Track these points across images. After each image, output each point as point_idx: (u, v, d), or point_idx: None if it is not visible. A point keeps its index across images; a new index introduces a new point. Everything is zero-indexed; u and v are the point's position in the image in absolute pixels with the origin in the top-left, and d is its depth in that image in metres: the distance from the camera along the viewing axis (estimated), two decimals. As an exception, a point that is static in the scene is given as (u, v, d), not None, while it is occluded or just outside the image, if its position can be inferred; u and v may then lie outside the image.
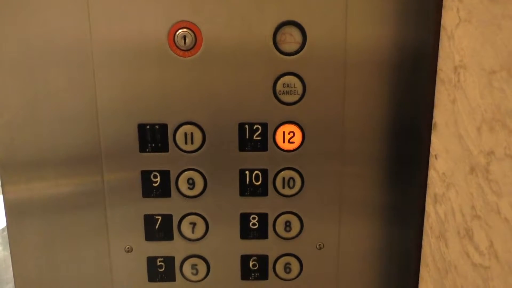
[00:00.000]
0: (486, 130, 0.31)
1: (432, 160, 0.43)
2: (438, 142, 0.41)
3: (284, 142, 0.48)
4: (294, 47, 0.45)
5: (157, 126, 0.47)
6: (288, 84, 0.46)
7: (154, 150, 0.48)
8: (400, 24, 0.44)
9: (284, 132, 0.47)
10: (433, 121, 0.42)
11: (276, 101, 0.46)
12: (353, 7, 0.44)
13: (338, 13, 0.44)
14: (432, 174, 0.43)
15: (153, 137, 0.47)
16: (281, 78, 0.46)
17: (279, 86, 0.46)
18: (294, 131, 0.47)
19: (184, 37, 0.45)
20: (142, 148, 0.48)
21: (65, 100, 0.46)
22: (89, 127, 0.47)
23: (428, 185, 0.44)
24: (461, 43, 0.36)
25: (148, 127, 0.47)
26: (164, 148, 0.48)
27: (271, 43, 0.45)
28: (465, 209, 0.35)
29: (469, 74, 0.34)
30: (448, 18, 0.38)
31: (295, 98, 0.46)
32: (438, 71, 0.41)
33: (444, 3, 0.40)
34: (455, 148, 0.37)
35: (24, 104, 0.46)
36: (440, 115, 0.41)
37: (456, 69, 0.37)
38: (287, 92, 0.46)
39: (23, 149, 0.47)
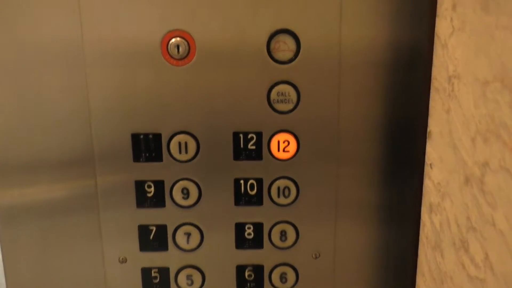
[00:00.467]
0: (480, 141, 0.31)
1: (427, 169, 0.42)
2: (433, 151, 0.41)
3: (279, 151, 0.47)
4: (288, 55, 0.45)
5: (150, 136, 0.47)
6: (282, 93, 0.46)
7: (148, 159, 0.47)
8: (395, 29, 0.44)
9: (279, 141, 0.47)
10: (428, 129, 0.42)
11: (270, 109, 0.46)
12: (347, 16, 0.44)
13: (332, 21, 0.44)
14: (427, 183, 0.43)
15: (146, 146, 0.47)
16: (275, 87, 0.46)
17: (273, 95, 0.46)
18: (289, 140, 0.47)
19: (178, 46, 0.44)
20: (136, 158, 0.47)
21: (58, 107, 0.45)
22: (83, 138, 0.46)
23: (423, 194, 0.44)
24: (454, 53, 0.36)
25: (141, 136, 0.47)
26: (158, 158, 0.47)
27: (265, 51, 0.45)
28: (460, 220, 0.35)
29: (463, 84, 0.34)
30: (442, 27, 0.38)
31: (289, 106, 0.46)
32: (433, 80, 0.40)
33: (437, 11, 0.39)
34: (450, 158, 0.37)
35: (16, 108, 0.45)
36: (434, 124, 0.40)
37: (450, 79, 0.36)
38: (282, 101, 0.46)
39: (16, 153, 0.46)
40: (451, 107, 0.36)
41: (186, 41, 0.44)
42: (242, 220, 0.49)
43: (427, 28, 0.40)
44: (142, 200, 0.48)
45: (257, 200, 0.49)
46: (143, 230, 0.49)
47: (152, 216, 0.49)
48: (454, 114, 0.35)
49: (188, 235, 0.49)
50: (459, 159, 0.35)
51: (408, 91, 0.45)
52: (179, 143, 0.47)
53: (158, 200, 0.48)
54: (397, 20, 0.43)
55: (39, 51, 0.44)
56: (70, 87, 0.45)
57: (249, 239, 0.50)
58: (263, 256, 0.50)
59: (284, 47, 0.45)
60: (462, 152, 0.34)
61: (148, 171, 0.48)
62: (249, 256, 0.50)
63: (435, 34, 0.40)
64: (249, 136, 0.47)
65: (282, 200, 0.48)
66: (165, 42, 0.44)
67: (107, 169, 0.47)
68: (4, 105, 0.45)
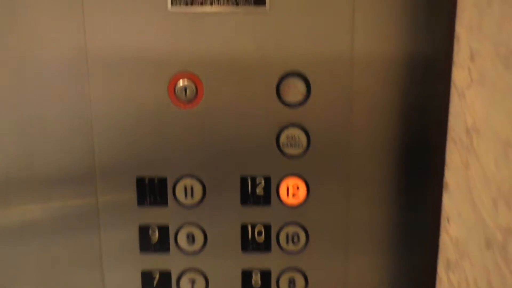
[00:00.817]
0: (502, 204, 0.29)
1: (444, 222, 0.41)
2: (451, 205, 0.39)
3: (288, 196, 0.46)
4: (298, 98, 0.44)
5: (156, 180, 0.46)
6: (292, 137, 0.45)
7: (153, 204, 0.46)
8: (408, 70, 0.42)
9: (288, 186, 0.46)
10: (445, 180, 0.40)
11: (279, 153, 0.45)
12: (359, 56, 0.42)
13: (343, 63, 0.43)
14: (444, 238, 0.41)
15: (151, 191, 0.46)
16: (284, 130, 0.44)
17: (282, 138, 0.45)
18: (298, 185, 0.46)
19: (185, 89, 0.43)
20: (140, 202, 0.46)
21: (60, 148, 0.44)
22: (87, 190, 0.45)
23: (440, 248, 0.42)
24: (473, 105, 0.34)
25: (146, 181, 0.45)
26: (163, 202, 0.46)
27: (275, 94, 0.44)
28: (481, 284, 0.33)
29: (483, 141, 0.32)
30: (459, 76, 0.37)
31: (299, 150, 0.45)
32: (449, 130, 0.39)
33: (454, 58, 0.38)
34: (469, 215, 0.35)
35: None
36: (452, 176, 0.39)
37: (469, 132, 0.35)
38: (291, 145, 0.45)
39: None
40: (470, 162, 0.34)
41: (194, 83, 0.43)
42: (249, 267, 0.47)
43: (442, 80, 0.39)
44: (145, 246, 0.47)
45: (265, 246, 0.47)
46: (146, 276, 0.47)
47: (155, 262, 0.47)
48: (474, 170, 0.34)
49: (193, 282, 0.48)
50: (479, 219, 0.33)
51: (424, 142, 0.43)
52: (185, 187, 0.46)
53: (162, 246, 0.47)
54: (411, 62, 0.42)
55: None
56: (74, 127, 0.44)
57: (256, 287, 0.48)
58: (271, 305, 0.48)
59: (294, 90, 0.44)
60: (482, 213, 0.32)
61: (153, 215, 0.46)
62: (256, 305, 0.48)
63: (451, 81, 0.38)
64: (257, 180, 0.45)
65: (291, 247, 0.47)
66: (172, 84, 0.43)
67: (109, 216, 0.46)
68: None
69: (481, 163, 0.33)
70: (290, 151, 0.45)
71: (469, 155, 0.35)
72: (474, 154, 0.34)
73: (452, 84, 0.38)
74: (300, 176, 0.45)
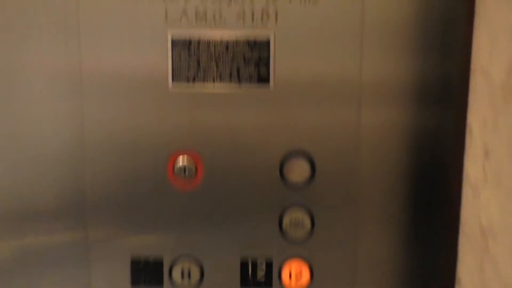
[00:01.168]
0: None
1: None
2: (464, 304, 0.37)
3: (290, 280, 0.44)
4: (302, 178, 0.42)
5: (151, 262, 0.43)
6: (295, 218, 0.43)
7: (147, 285, 0.44)
8: (417, 157, 0.41)
9: (290, 270, 0.44)
10: (457, 275, 0.38)
11: (282, 236, 0.43)
12: (366, 134, 0.41)
13: (349, 141, 0.41)
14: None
15: (146, 272, 0.44)
16: (288, 211, 0.43)
17: (285, 220, 0.43)
18: (301, 268, 0.43)
19: (184, 168, 0.42)
20: (134, 283, 0.44)
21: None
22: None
23: None
24: (488, 206, 0.32)
25: (141, 262, 0.43)
26: (159, 284, 0.44)
27: (278, 173, 0.42)
28: None
29: (500, 247, 0.30)
30: (472, 168, 0.35)
31: (303, 233, 0.43)
32: (462, 223, 0.37)
33: (466, 148, 0.36)
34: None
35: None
36: (465, 275, 0.36)
37: (484, 233, 0.33)
38: (295, 227, 0.43)
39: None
40: (486, 267, 0.32)
41: (193, 162, 0.42)
42: None
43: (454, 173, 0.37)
44: (139, 331, 0.44)
45: (266, 334, 0.44)
46: None
47: None
48: (490, 275, 0.31)
49: None
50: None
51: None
52: (182, 269, 0.44)
53: (156, 331, 0.44)
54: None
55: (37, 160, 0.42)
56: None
57: None
58: None
59: (298, 169, 0.42)
60: (501, 327, 0.30)
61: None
62: None
63: (463, 173, 0.36)
64: (258, 263, 0.44)
65: (293, 335, 0.44)
66: (171, 163, 0.42)
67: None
68: None
69: (498, 269, 0.30)
70: (293, 233, 0.43)
71: (484, 257, 0.33)
72: (490, 258, 0.32)
73: (464, 176, 0.36)
74: (303, 259, 0.43)
